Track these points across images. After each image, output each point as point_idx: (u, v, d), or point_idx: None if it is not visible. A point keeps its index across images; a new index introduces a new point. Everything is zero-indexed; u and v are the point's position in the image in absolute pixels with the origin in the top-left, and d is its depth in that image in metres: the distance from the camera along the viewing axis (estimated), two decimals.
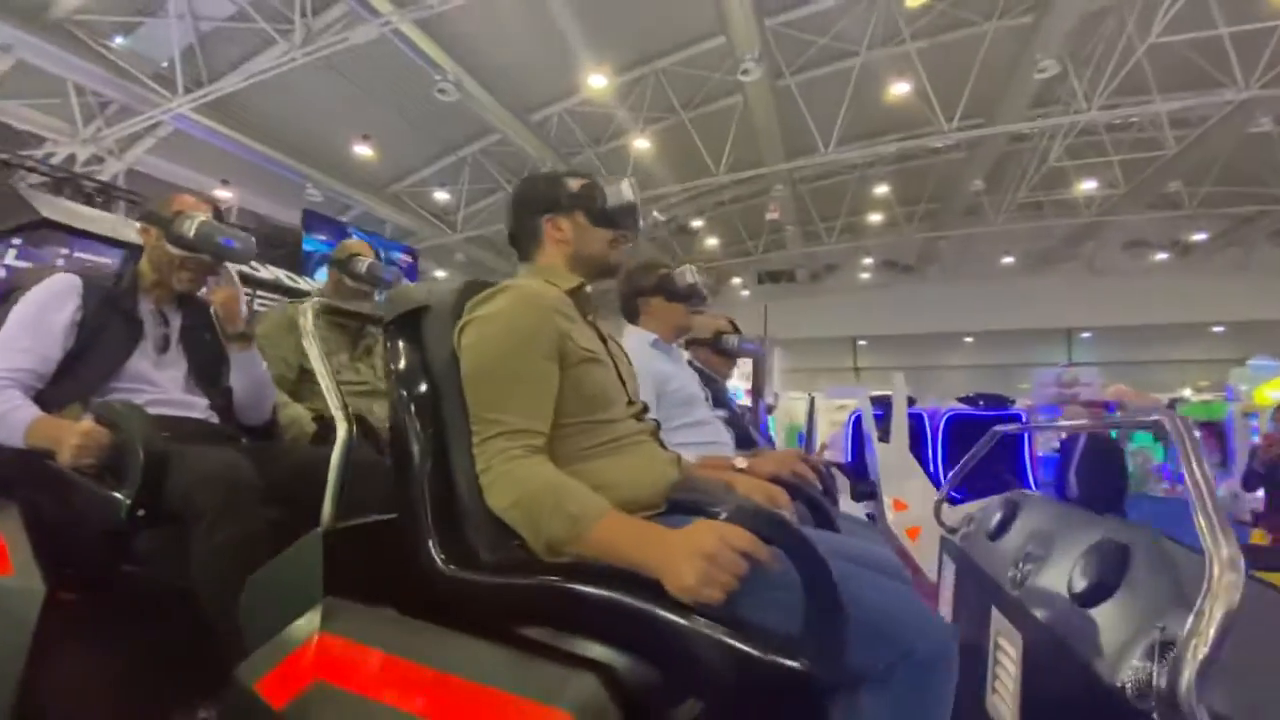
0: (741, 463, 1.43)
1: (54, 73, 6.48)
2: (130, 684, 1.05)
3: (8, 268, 2.24)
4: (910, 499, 3.45)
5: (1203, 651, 0.62)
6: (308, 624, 0.89)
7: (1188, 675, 0.60)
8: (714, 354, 2.35)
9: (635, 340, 1.83)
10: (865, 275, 18.12)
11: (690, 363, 2.17)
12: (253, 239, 1.48)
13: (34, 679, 1.08)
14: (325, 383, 1.09)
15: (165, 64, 6.88)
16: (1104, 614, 0.77)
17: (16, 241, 2.12)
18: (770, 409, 6.98)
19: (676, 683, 0.79)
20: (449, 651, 0.81)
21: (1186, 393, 11.88)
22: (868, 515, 4.12)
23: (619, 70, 8.80)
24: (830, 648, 0.72)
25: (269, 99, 7.60)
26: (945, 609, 1.92)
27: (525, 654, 0.80)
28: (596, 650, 0.79)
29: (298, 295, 1.83)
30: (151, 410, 1.28)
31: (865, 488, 4.10)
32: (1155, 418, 0.84)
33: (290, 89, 7.44)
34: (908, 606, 0.85)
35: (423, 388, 0.99)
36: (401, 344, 1.03)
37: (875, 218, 13.81)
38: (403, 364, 1.01)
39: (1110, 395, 7.49)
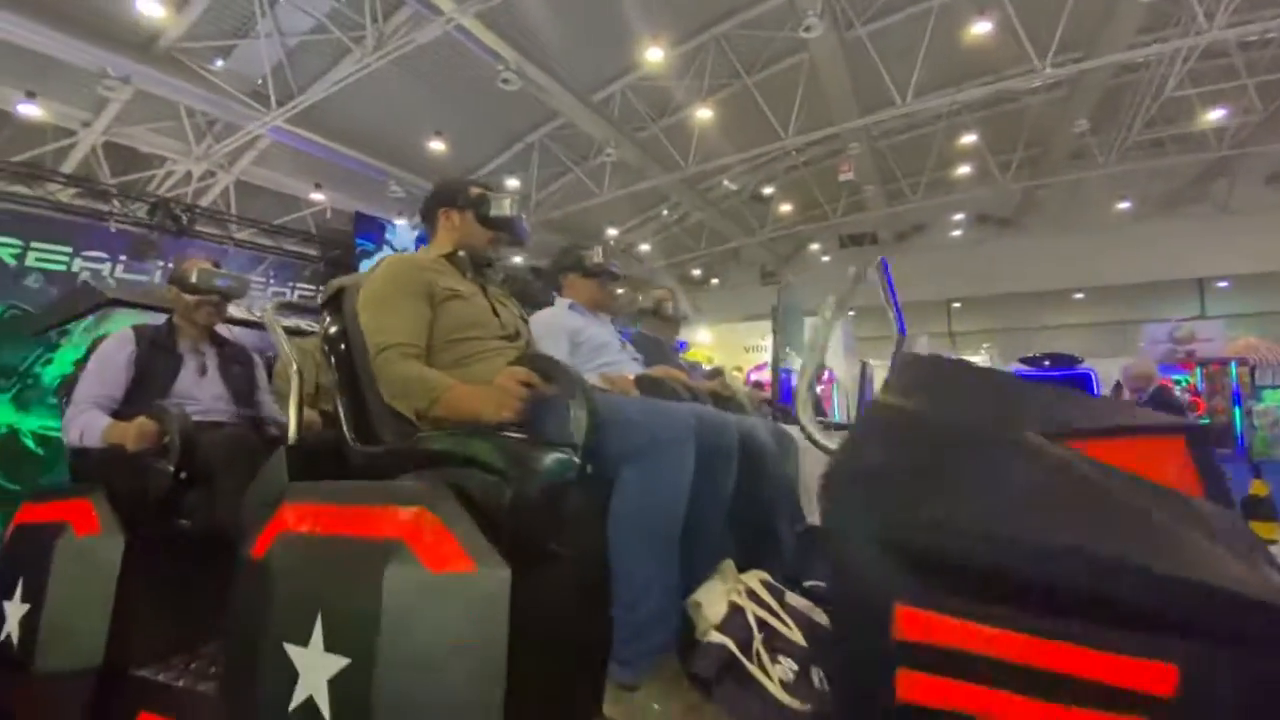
0: (631, 376, 1.86)
1: (167, 98, 7.22)
2: (187, 604, 1.44)
3: (120, 280, 2.78)
4: None
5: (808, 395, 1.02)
6: (277, 500, 1.27)
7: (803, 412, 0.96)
8: (658, 320, 2.72)
9: (557, 306, 2.25)
10: (956, 233, 16.98)
11: (642, 331, 2.72)
12: (246, 278, 2.03)
13: (121, 605, 1.57)
14: (283, 352, 1.56)
15: (260, 81, 7.47)
16: None
17: (123, 258, 2.66)
18: (818, 377, 6.76)
19: (496, 479, 1.16)
20: (354, 493, 1.21)
21: None
22: None
23: (679, 40, 8.66)
24: (584, 439, 1.11)
25: (350, 105, 8.10)
26: None
27: (403, 485, 1.21)
28: (446, 474, 1.20)
29: (308, 335, 2.30)
30: (196, 418, 1.82)
31: None
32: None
33: (368, 93, 7.89)
34: (661, 413, 1.23)
35: (343, 345, 1.47)
36: (331, 316, 1.51)
37: (964, 170, 12.86)
38: (332, 329, 1.49)
39: (1238, 350, 6.67)
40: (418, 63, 7.58)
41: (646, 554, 1.11)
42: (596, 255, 2.25)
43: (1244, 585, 0.62)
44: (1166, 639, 0.63)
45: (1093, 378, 5.15)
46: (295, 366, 1.51)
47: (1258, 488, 2.15)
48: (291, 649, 1.08)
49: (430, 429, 1.29)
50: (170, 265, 3.02)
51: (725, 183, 13.18)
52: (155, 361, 2.00)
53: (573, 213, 11.47)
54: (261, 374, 2.24)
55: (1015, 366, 5.55)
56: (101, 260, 2.95)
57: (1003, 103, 10.51)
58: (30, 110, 6.68)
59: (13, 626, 1.66)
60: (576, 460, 1.11)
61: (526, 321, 1.74)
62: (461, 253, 1.60)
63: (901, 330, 1.44)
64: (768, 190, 13.56)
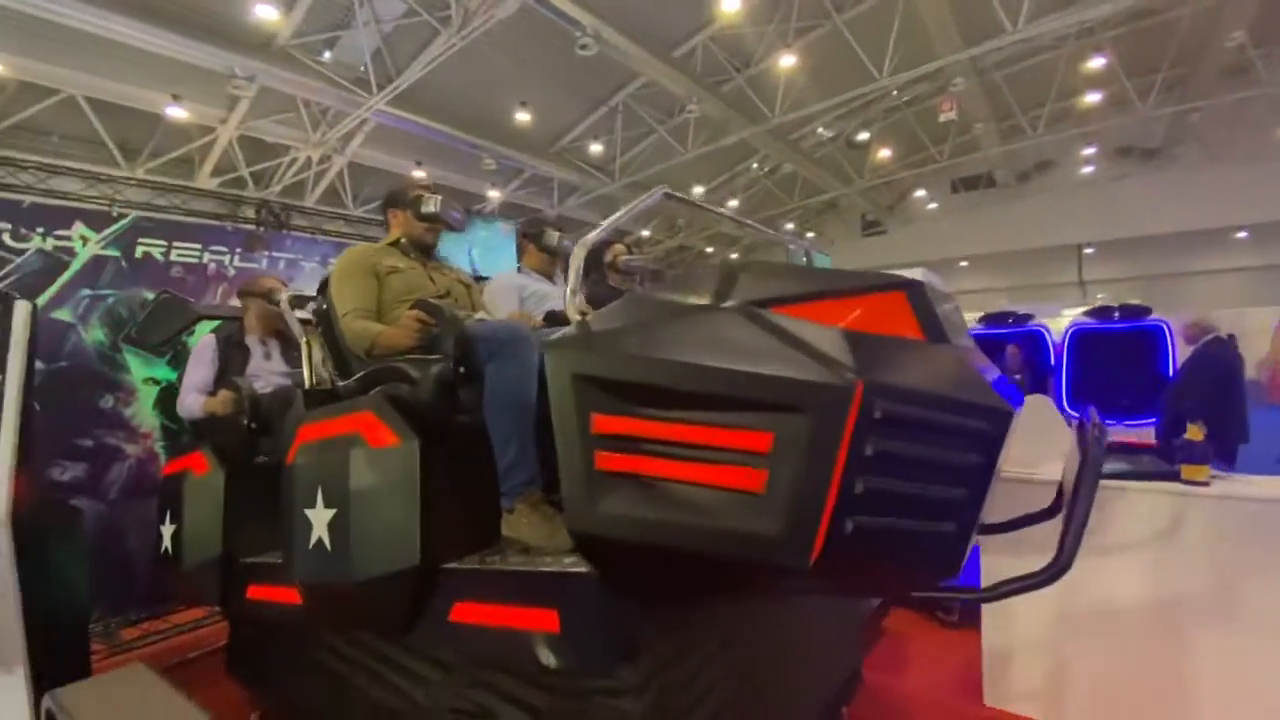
0: (540, 314, 2.31)
1: (285, 91, 7.99)
2: (271, 512, 1.89)
3: (238, 269, 3.44)
4: None
5: (573, 300, 1.36)
6: (298, 424, 1.82)
7: (570, 308, 1.34)
8: (616, 274, 2.97)
9: (511, 271, 2.79)
10: (1088, 169, 15.19)
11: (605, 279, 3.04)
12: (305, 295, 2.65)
13: (228, 515, 2.22)
14: (296, 328, 2.24)
15: (362, 68, 8.06)
16: None
17: (238, 250, 3.33)
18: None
19: (410, 386, 1.75)
20: (336, 410, 1.75)
21: None
22: None
23: None
24: (458, 351, 1.65)
25: (442, 83, 8.53)
26: None
27: (361, 400, 1.72)
28: (386, 388, 1.76)
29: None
30: (264, 389, 2.58)
31: None
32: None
33: (457, 71, 8.27)
34: (505, 328, 1.67)
35: (328, 316, 2.05)
36: (322, 297, 2.13)
37: (1094, 98, 11.39)
38: (322, 306, 2.12)
39: None
40: (500, 37, 7.83)
41: (505, 421, 1.56)
42: (553, 239, 2.71)
43: (817, 377, 0.96)
44: (765, 415, 0.98)
45: (1166, 330, 4.68)
46: (305, 338, 2.16)
47: (1193, 433, 2.10)
48: (308, 511, 1.64)
49: (379, 363, 1.90)
50: (272, 253, 3.72)
51: (819, 130, 12.57)
52: (230, 354, 2.86)
53: (656, 174, 11.47)
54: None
55: (1079, 320, 5.12)
56: (223, 253, 3.58)
57: (1138, 18, 9.17)
58: (177, 112, 7.68)
59: (167, 541, 2.47)
60: (451, 366, 1.67)
61: (467, 285, 2.35)
62: (403, 240, 2.21)
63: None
64: (863, 136, 12.77)
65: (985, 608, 2.47)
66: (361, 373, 1.92)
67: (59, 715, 1.69)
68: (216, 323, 3.18)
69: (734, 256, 18.51)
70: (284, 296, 2.34)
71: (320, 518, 1.59)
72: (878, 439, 0.93)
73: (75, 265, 3.16)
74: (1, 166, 3.47)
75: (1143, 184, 14.42)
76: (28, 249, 3.03)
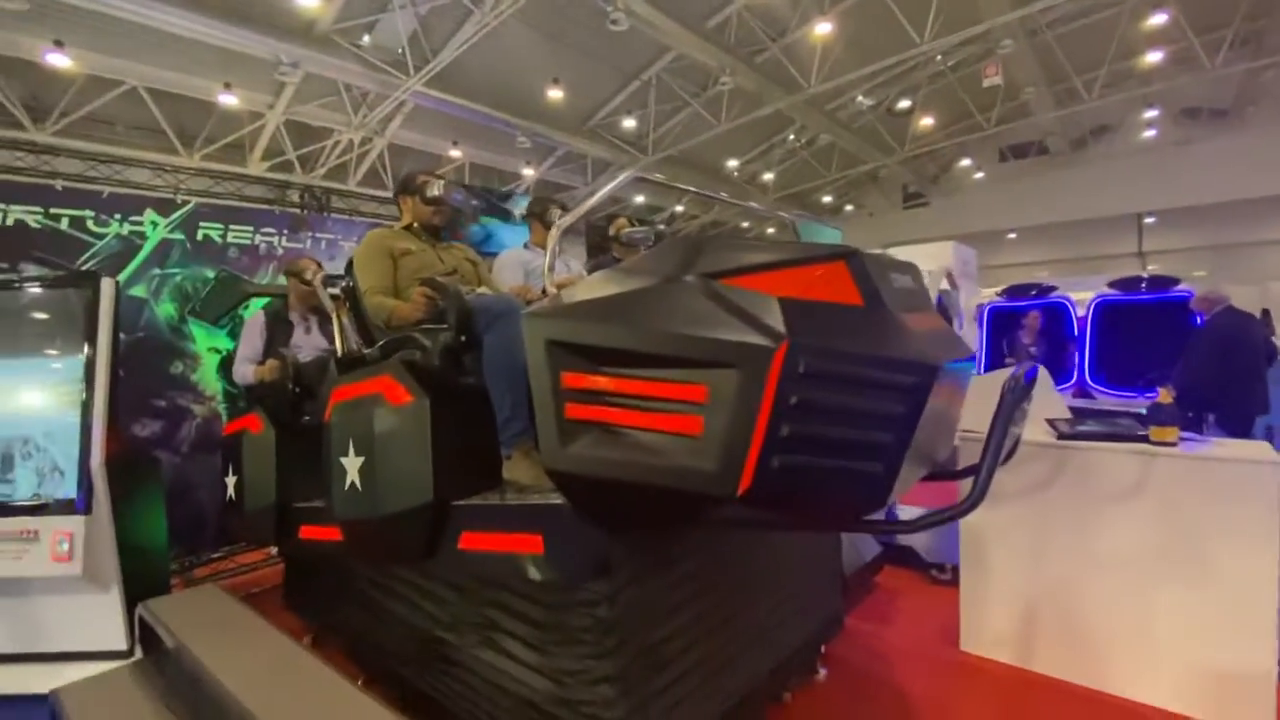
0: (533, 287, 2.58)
1: (327, 76, 8.32)
2: (315, 465, 2.16)
3: (285, 249, 3.79)
4: None
5: (550, 276, 1.75)
6: (332, 387, 2.12)
7: (547, 279, 1.74)
8: (618, 245, 3.17)
9: (518, 247, 3.02)
10: (1150, 133, 14.39)
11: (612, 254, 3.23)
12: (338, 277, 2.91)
13: (280, 468, 2.55)
14: (328, 304, 2.61)
15: (400, 51, 8.31)
16: None
17: (285, 232, 3.66)
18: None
19: (422, 352, 2.00)
20: (361, 374, 1.99)
21: None
22: None
23: None
24: (460, 322, 1.90)
25: (477, 63, 8.72)
26: None
27: (381, 365, 1.97)
28: (401, 354, 2.02)
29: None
30: (304, 358, 2.91)
31: None
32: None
33: (491, 51, 8.45)
34: (498, 300, 1.93)
35: (353, 292, 2.36)
36: (348, 275, 2.43)
37: (1156, 57, 10.77)
38: (349, 283, 2.42)
39: None
40: (532, 15, 7.95)
41: (500, 381, 1.78)
42: (555, 215, 2.93)
43: (745, 338, 1.12)
44: (701, 371, 1.16)
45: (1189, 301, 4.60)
46: (335, 312, 2.46)
47: (1163, 396, 2.17)
48: (342, 459, 1.93)
49: (396, 333, 2.16)
50: (315, 234, 4.03)
51: (859, 99, 12.27)
52: (276, 328, 3.22)
53: (690, 148, 11.46)
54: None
55: (1104, 291, 5.01)
56: (272, 235, 3.95)
57: None
58: (229, 100, 8.11)
59: (231, 490, 2.80)
60: (454, 335, 1.91)
61: (474, 263, 2.61)
62: (415, 224, 2.47)
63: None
64: (905, 103, 12.42)
65: (964, 563, 2.61)
66: (382, 341, 2.20)
67: (151, 621, 2.04)
68: (266, 299, 3.52)
69: (770, 231, 18.34)
70: (318, 276, 2.62)
71: (352, 464, 1.88)
72: (801, 390, 1.09)
73: (147, 248, 3.57)
74: (83, 160, 3.87)
75: (1211, 148, 13.59)
76: (107, 234, 3.44)
